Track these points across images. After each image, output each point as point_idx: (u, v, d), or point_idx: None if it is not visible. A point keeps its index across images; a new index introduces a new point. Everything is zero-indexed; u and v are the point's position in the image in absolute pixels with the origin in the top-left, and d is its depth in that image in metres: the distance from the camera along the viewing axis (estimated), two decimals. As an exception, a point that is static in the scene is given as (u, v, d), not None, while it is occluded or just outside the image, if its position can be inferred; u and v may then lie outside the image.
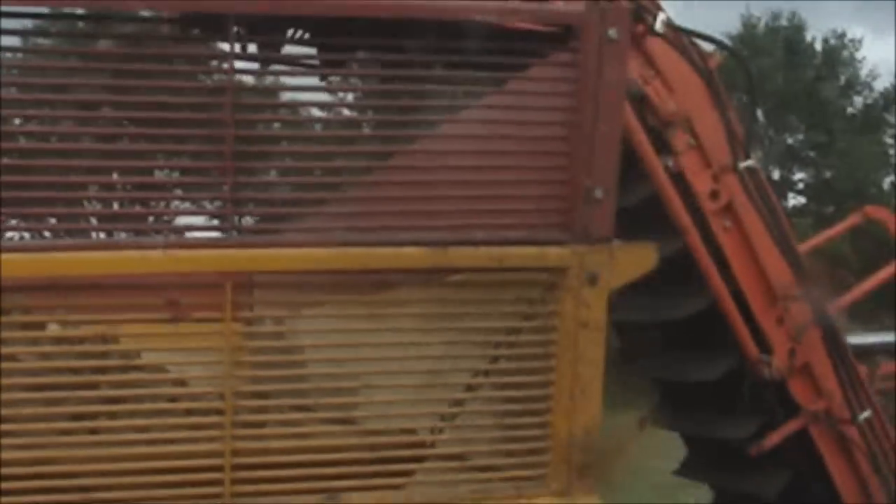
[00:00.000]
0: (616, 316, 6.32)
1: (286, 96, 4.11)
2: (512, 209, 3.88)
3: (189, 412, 3.75)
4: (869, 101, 46.56)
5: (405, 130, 4.00)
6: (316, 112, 4.68)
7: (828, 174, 39.98)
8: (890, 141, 46.39)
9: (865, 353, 6.51)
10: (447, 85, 4.00)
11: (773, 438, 6.03)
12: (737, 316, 5.85)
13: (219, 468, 3.66)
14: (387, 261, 3.71)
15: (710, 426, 6.51)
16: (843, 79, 45.43)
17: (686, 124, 5.72)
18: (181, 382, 3.80)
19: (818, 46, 45.13)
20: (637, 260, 3.89)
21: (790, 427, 6.06)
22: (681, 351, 6.45)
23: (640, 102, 5.61)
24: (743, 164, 5.84)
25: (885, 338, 9.02)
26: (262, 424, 3.76)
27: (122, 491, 3.60)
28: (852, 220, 9.21)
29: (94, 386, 3.64)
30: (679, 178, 5.75)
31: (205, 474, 3.66)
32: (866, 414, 6.13)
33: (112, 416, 3.69)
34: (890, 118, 46.00)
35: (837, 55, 45.53)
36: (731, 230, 5.84)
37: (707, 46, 5.85)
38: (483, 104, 4.06)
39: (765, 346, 5.95)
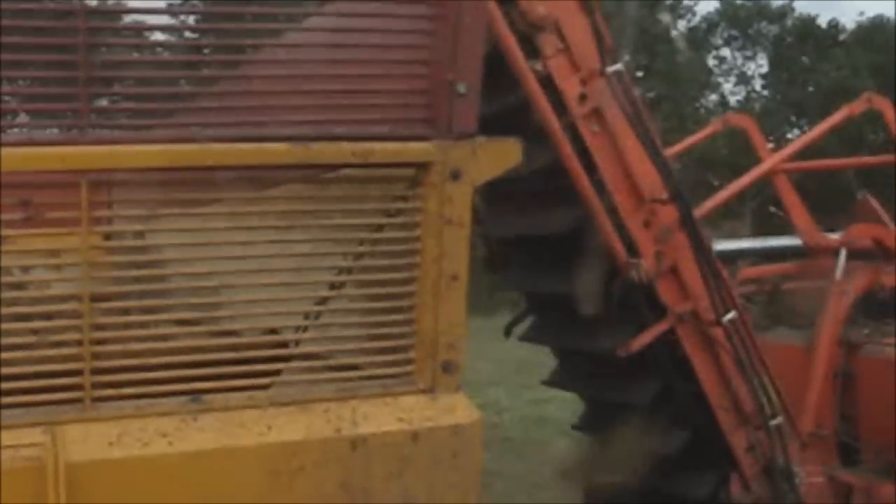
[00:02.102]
0: (483, 228, 6.40)
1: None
2: (375, 104, 3.82)
3: (47, 316, 3.65)
4: (692, 24, 48.18)
5: (267, 23, 3.92)
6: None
7: (651, 94, 40.91)
8: (714, 62, 48.49)
9: (725, 258, 6.65)
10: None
11: (642, 339, 6.14)
12: (606, 220, 5.91)
13: (78, 372, 3.58)
14: (249, 157, 3.62)
15: (581, 338, 6.60)
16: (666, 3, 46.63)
17: (555, 28, 5.71)
18: (38, 285, 3.69)
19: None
20: (501, 156, 3.86)
21: (658, 328, 6.19)
22: (549, 265, 6.51)
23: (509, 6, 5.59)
24: (611, 69, 5.86)
25: (742, 244, 9.29)
26: (121, 327, 3.68)
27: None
28: (714, 126, 9.43)
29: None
30: (548, 82, 5.76)
31: (64, 378, 3.58)
32: (731, 315, 6.26)
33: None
34: (715, 41, 47.66)
35: None
36: (599, 134, 5.89)
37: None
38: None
39: (633, 249, 6.03)
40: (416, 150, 3.75)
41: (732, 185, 8.44)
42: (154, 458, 3.57)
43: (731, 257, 7.93)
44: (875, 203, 8.73)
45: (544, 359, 7.56)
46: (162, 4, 3.70)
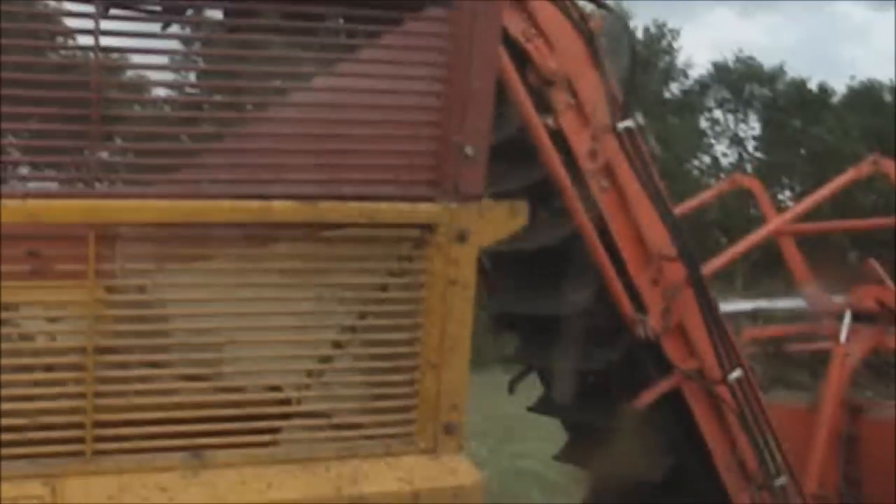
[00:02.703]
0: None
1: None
2: (383, 165, 3.84)
3: (50, 368, 3.65)
4: (685, 87, 49.32)
5: (276, 83, 3.94)
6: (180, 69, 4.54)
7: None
8: (706, 124, 49.56)
9: (727, 319, 6.64)
10: (321, 37, 3.94)
11: (647, 397, 6.12)
12: (614, 276, 5.91)
13: (80, 425, 3.58)
14: (256, 214, 3.63)
15: (570, 358, 6.52)
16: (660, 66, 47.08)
17: (566, 83, 5.74)
18: (43, 337, 3.70)
19: (640, 35, 46.31)
20: (507, 218, 3.88)
21: (664, 386, 6.16)
22: (536, 285, 6.48)
23: (521, 61, 5.62)
24: (621, 125, 5.89)
25: (745, 305, 9.29)
26: (125, 381, 3.68)
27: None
28: (721, 186, 9.47)
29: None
30: (558, 138, 5.79)
31: (66, 431, 3.58)
32: (737, 374, 6.24)
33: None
34: (708, 103, 48.18)
35: (656, 44, 46.97)
36: (609, 190, 5.90)
37: (587, 7, 5.88)
38: (357, 58, 4.00)
39: (641, 305, 6.03)
40: (422, 211, 3.76)
41: (738, 245, 8.46)
42: (154, 513, 3.56)
43: (734, 317, 7.91)
44: (877, 265, 8.73)
45: (532, 416, 7.55)
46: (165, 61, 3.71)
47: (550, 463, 8.28)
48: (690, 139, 46.16)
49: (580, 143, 5.83)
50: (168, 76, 4.00)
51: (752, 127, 49.34)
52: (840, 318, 8.05)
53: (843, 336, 7.92)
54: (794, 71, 49.18)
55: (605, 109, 5.86)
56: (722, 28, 75.90)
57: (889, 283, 8.55)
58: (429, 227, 3.77)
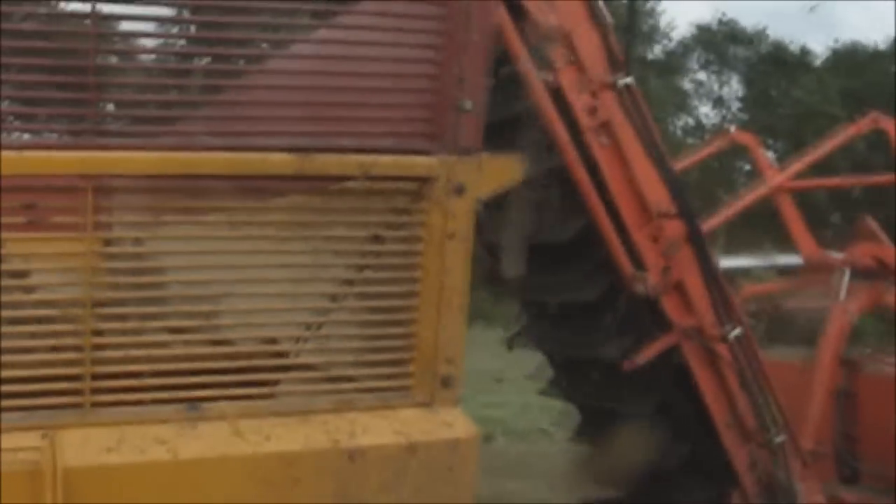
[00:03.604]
0: (487, 237, 6.38)
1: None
2: (380, 117, 3.84)
3: (48, 320, 3.66)
4: (667, 49, 48.94)
5: (275, 35, 3.93)
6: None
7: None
8: (689, 86, 49.44)
9: (727, 276, 6.64)
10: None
11: (646, 353, 6.12)
12: (612, 233, 5.90)
13: (79, 377, 3.59)
14: (253, 166, 3.64)
15: (583, 346, 6.58)
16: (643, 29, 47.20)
17: (566, 39, 5.71)
18: (40, 289, 3.71)
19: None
20: (504, 171, 3.88)
21: (663, 342, 6.17)
22: (553, 273, 6.48)
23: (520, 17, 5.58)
24: (621, 81, 5.86)
25: (744, 261, 9.29)
26: (122, 333, 3.69)
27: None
28: (718, 142, 9.43)
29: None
30: (557, 94, 5.75)
31: (64, 383, 3.59)
32: (736, 332, 6.24)
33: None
34: (691, 65, 48.40)
35: (640, 6, 47.13)
36: (608, 147, 5.88)
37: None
38: (355, 10, 3.99)
39: (639, 263, 6.02)
40: (419, 164, 3.76)
41: (737, 202, 8.45)
42: (151, 465, 3.58)
43: (733, 274, 7.91)
44: (873, 223, 8.72)
45: (507, 374, 7.64)
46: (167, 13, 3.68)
47: (517, 414, 8.37)
48: (673, 100, 46.21)
49: (579, 100, 5.80)
50: (165, 27, 3.99)
51: (735, 88, 49.57)
52: (837, 275, 8.05)
53: (841, 293, 7.92)
54: (776, 34, 49.43)
55: (605, 66, 5.83)
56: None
57: (886, 240, 8.55)
58: (426, 180, 3.77)
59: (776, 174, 8.86)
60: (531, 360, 7.64)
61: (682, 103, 48.21)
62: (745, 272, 8.95)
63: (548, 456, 10.99)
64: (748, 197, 8.59)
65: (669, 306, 6.14)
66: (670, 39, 49.28)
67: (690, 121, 49.17)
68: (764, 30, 48.61)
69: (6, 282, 3.55)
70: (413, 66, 3.85)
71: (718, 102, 49.76)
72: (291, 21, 3.83)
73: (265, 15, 3.90)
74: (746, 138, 9.46)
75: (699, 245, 6.10)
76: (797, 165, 9.11)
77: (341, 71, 3.83)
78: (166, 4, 3.85)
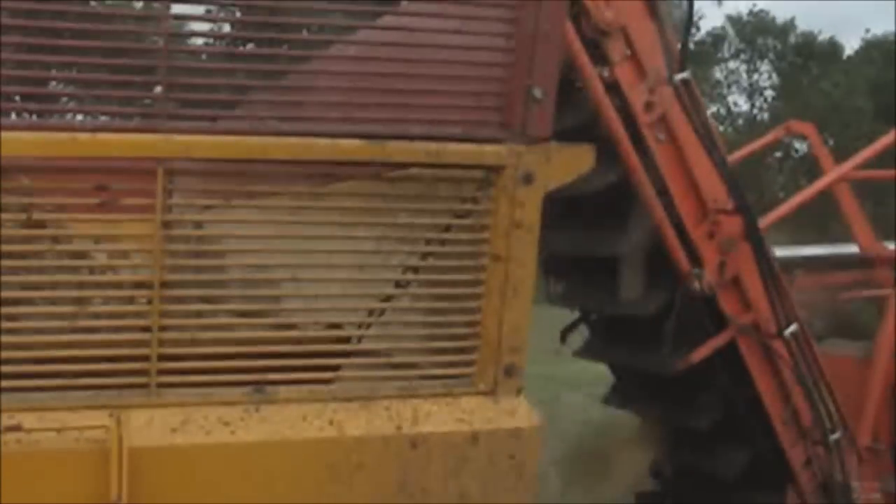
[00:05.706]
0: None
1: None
2: (450, 105, 3.83)
3: (117, 300, 3.69)
4: (697, 39, 49.12)
5: (346, 21, 3.94)
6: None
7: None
8: (720, 75, 50.40)
9: (783, 266, 6.58)
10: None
11: (702, 351, 6.10)
12: (669, 229, 5.88)
13: (146, 357, 3.62)
14: (323, 152, 3.64)
15: (640, 357, 6.56)
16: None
17: (622, 34, 5.69)
18: (109, 269, 3.74)
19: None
20: (574, 162, 3.87)
21: (719, 340, 6.14)
22: (606, 282, 6.44)
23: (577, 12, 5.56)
24: (678, 77, 5.83)
25: (800, 252, 9.15)
26: (189, 315, 3.71)
27: (47, 379, 3.55)
28: (775, 133, 9.28)
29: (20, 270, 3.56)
30: (614, 89, 5.73)
31: (131, 363, 3.62)
32: (793, 328, 6.21)
33: (38, 302, 3.62)
34: (723, 55, 48.71)
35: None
36: (665, 143, 5.85)
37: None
38: (427, -1, 4.00)
39: (697, 260, 6.00)
40: (489, 152, 3.76)
41: (796, 196, 8.33)
42: (215, 447, 3.61)
43: (789, 265, 7.80)
44: None
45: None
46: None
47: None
48: (704, 89, 46.54)
49: (636, 95, 5.78)
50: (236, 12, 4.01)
51: (766, 78, 49.77)
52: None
53: None
54: (804, 25, 49.75)
55: (662, 61, 5.81)
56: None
57: None
58: (495, 169, 3.77)
59: (839, 165, 8.67)
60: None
61: (711, 93, 48.41)
62: (799, 263, 8.81)
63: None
64: (809, 190, 8.44)
65: (725, 303, 6.11)
66: (699, 29, 49.70)
67: (722, 110, 49.46)
68: (792, 20, 48.86)
69: (76, 262, 3.59)
70: (484, 53, 3.85)
71: (749, 92, 50.02)
72: (363, 7, 3.83)
73: (338, 1, 3.92)
74: (806, 129, 9.30)
75: (756, 240, 6.06)
76: (859, 157, 8.92)
77: (411, 58, 3.84)
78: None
